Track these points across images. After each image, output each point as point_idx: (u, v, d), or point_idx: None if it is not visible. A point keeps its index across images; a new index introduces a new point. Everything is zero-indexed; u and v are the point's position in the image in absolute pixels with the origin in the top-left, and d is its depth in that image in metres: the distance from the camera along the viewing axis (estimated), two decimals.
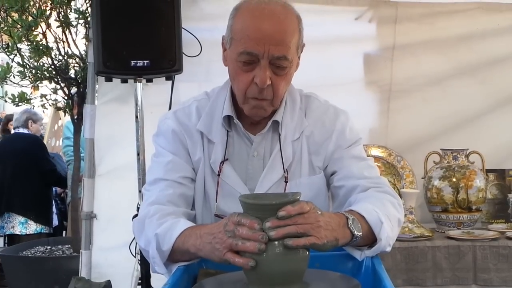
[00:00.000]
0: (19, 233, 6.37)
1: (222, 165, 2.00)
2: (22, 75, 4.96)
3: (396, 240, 3.48)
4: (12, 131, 7.16)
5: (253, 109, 1.95)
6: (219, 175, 2.00)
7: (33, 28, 4.61)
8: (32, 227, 6.39)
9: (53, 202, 6.89)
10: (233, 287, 1.56)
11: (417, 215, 3.78)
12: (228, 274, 1.67)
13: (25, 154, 6.50)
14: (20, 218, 6.39)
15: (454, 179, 3.78)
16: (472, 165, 3.85)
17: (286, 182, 2.00)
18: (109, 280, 3.50)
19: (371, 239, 1.75)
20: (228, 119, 2.03)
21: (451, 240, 3.61)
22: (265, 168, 2.01)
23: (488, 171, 3.97)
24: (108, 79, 3.70)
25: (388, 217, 1.80)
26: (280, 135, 2.02)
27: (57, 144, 8.84)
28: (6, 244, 6.77)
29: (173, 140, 2.05)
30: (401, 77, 4.17)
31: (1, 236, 6.74)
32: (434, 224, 3.90)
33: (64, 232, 7.21)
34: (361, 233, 1.69)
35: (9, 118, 8.03)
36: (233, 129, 2.04)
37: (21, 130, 6.85)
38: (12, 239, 6.53)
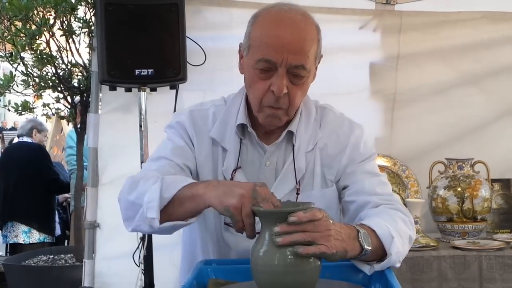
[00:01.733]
0: (23, 242, 6.35)
1: (235, 173, 1.99)
2: (26, 84, 4.96)
3: None
4: (16, 139, 7.16)
5: (268, 117, 1.94)
6: None
7: (36, 37, 4.62)
8: (36, 236, 6.38)
9: (56, 212, 6.87)
10: None
11: (422, 224, 3.77)
12: (239, 284, 1.66)
13: (29, 163, 6.49)
14: (24, 227, 6.37)
15: (459, 189, 3.77)
16: (477, 175, 3.84)
17: (298, 194, 1.98)
18: None
19: (380, 254, 1.73)
20: (242, 127, 2.02)
21: (456, 250, 3.59)
22: (277, 178, 2.00)
23: (493, 180, 3.95)
24: (112, 88, 3.69)
25: (399, 233, 1.78)
26: (294, 145, 2.01)
27: (59, 153, 8.84)
28: (8, 253, 6.76)
29: (183, 133, 2.05)
30: (406, 86, 4.16)
31: (4, 244, 6.70)
32: (439, 234, 3.89)
33: (66, 241, 7.20)
34: (370, 248, 1.67)
35: None
36: (246, 137, 2.03)
37: (25, 139, 6.85)
38: (14, 248, 6.52)
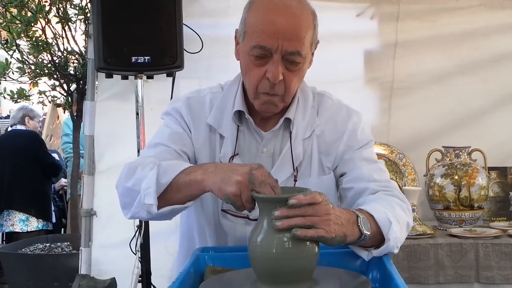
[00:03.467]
0: (20, 231, 6.34)
1: (232, 160, 1.98)
2: (22, 72, 4.93)
3: None
4: (10, 129, 7.12)
5: (264, 104, 1.94)
6: None
7: (32, 24, 4.59)
8: (34, 224, 6.38)
9: (52, 199, 6.87)
10: (242, 285, 1.55)
11: (418, 212, 3.77)
12: (237, 271, 1.67)
13: (25, 151, 6.48)
14: (21, 215, 6.37)
15: (456, 177, 3.77)
16: (474, 163, 3.83)
17: (295, 181, 1.98)
18: (114, 277, 3.49)
19: (378, 240, 1.73)
20: (239, 114, 2.01)
21: (453, 238, 3.59)
22: (275, 165, 1.99)
23: (490, 168, 3.96)
24: (109, 76, 3.67)
25: (397, 219, 1.78)
26: (291, 132, 2.00)
27: (55, 141, 8.83)
28: (4, 242, 6.75)
29: (180, 119, 2.04)
30: (403, 74, 4.14)
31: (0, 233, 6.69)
32: (436, 221, 3.89)
33: (62, 229, 7.20)
34: (369, 233, 1.67)
35: None
36: (243, 124, 2.02)
37: (19, 127, 6.82)
38: (10, 236, 6.51)
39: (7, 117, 17.46)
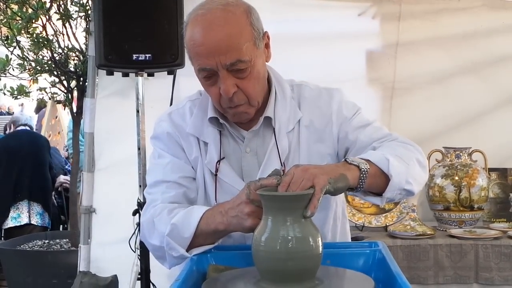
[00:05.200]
0: (35, 223, 6.37)
1: (219, 164, 1.98)
2: (22, 68, 4.92)
3: (398, 238, 3.51)
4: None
5: (235, 116, 1.95)
6: (216, 174, 1.98)
7: (33, 21, 4.58)
8: (46, 219, 6.42)
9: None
10: (246, 283, 1.54)
11: (418, 213, 3.79)
12: (240, 269, 1.66)
13: (40, 149, 6.61)
14: (39, 209, 6.41)
15: (456, 178, 3.78)
16: (474, 164, 3.84)
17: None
18: (116, 275, 3.49)
19: (384, 181, 1.77)
20: (215, 119, 2.00)
21: (453, 239, 3.61)
22: (263, 163, 1.98)
23: (491, 170, 3.98)
24: (110, 73, 3.67)
25: (397, 155, 1.80)
26: (274, 129, 1.99)
27: (54, 138, 8.83)
28: (2, 238, 6.72)
29: (170, 142, 2.05)
30: (404, 74, 4.15)
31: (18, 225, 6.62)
32: (436, 222, 3.90)
33: (61, 226, 7.19)
34: (368, 167, 1.70)
35: None
36: (224, 127, 2.02)
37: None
38: (8, 232, 6.52)
39: (5, 113, 17.42)
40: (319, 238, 1.53)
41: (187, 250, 1.81)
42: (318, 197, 1.53)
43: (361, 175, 1.70)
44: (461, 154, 3.84)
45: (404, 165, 1.80)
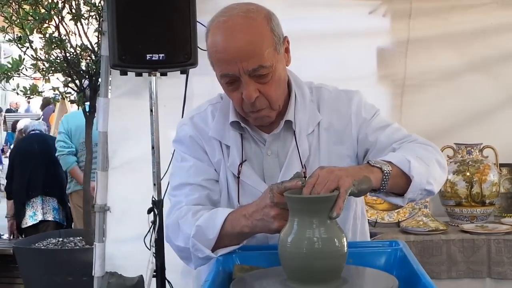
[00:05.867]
0: (52, 219, 6.45)
1: (241, 166, 2.03)
2: (35, 68, 4.97)
3: (411, 233, 3.54)
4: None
5: (256, 120, 2.00)
6: (238, 177, 2.03)
7: (47, 21, 4.62)
8: (61, 215, 6.50)
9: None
10: (273, 282, 1.58)
11: (430, 208, 3.82)
12: (267, 269, 1.71)
13: (42, 149, 6.77)
14: (55, 204, 6.48)
15: (468, 174, 3.80)
16: (486, 160, 3.87)
17: (305, 177, 2.00)
18: (142, 275, 3.52)
19: (406, 182, 1.81)
20: (237, 123, 2.05)
21: (465, 234, 3.64)
22: (284, 166, 2.03)
23: (502, 165, 4.00)
24: (123, 73, 3.70)
25: (417, 156, 1.85)
26: (294, 131, 2.03)
27: None
28: (23, 236, 6.77)
29: (192, 145, 2.09)
30: (415, 71, 4.18)
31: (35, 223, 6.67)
32: (448, 218, 3.93)
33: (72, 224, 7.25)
34: (390, 169, 1.75)
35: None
36: (245, 131, 2.06)
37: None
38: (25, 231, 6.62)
39: (9, 110, 17.49)
40: (344, 239, 1.57)
41: (213, 251, 1.85)
42: (344, 199, 1.57)
43: (384, 177, 1.74)
44: (472, 150, 3.87)
45: (425, 166, 1.84)
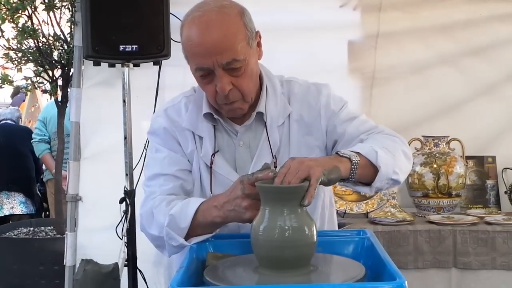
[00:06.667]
0: (20, 213, 6.44)
1: (214, 157, 2.08)
2: (7, 58, 4.95)
3: (379, 224, 3.60)
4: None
5: (229, 112, 2.05)
6: (211, 167, 2.08)
7: (20, 12, 4.61)
8: (31, 207, 6.47)
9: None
10: (245, 269, 1.64)
11: (398, 200, 3.88)
12: (240, 257, 1.76)
13: (24, 142, 6.74)
14: (21, 197, 6.46)
15: (435, 165, 3.88)
16: (452, 152, 3.94)
17: (275, 167, 2.05)
18: (117, 262, 3.54)
19: (373, 171, 1.87)
20: (210, 114, 2.10)
21: (431, 225, 3.70)
22: (255, 156, 2.09)
23: (468, 157, 4.07)
24: (97, 64, 3.71)
25: (384, 147, 1.91)
26: (265, 123, 2.09)
27: (33, 125, 8.83)
28: None
29: (166, 137, 2.15)
30: (385, 64, 4.24)
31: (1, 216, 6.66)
32: (415, 208, 4.00)
33: (43, 214, 7.23)
34: (358, 159, 1.81)
35: None
36: (218, 122, 2.11)
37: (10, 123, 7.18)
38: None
39: None
40: (314, 228, 1.62)
41: (186, 239, 1.89)
42: (314, 187, 1.63)
43: (352, 166, 1.80)
44: (439, 142, 3.94)
45: (391, 157, 1.91)
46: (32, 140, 6.58)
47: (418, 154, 3.95)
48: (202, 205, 1.89)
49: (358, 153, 1.85)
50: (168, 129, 2.14)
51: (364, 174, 1.85)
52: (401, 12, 4.18)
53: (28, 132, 7.02)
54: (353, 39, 4.25)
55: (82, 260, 3.51)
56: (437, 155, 3.91)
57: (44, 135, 6.41)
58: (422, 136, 3.99)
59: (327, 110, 2.13)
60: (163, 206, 1.96)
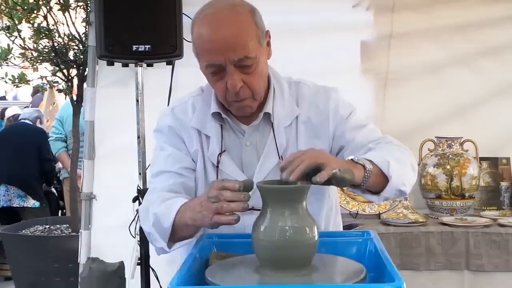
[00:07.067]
0: (17, 206, 6.52)
1: (220, 156, 2.10)
2: (23, 57, 5.00)
3: (391, 225, 3.60)
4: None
5: (239, 109, 2.06)
6: (217, 166, 2.10)
7: (35, 12, 4.65)
8: (30, 202, 6.53)
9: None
10: (247, 269, 1.64)
11: (411, 201, 3.86)
12: (241, 257, 1.76)
13: (32, 141, 6.87)
14: (19, 192, 6.52)
15: (448, 167, 3.86)
16: (466, 153, 3.92)
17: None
18: (122, 261, 3.58)
19: (383, 181, 1.89)
20: (218, 114, 2.11)
21: (444, 226, 3.69)
22: (262, 156, 2.10)
23: (482, 159, 4.04)
24: (110, 63, 3.74)
25: (395, 158, 1.92)
26: (272, 124, 2.10)
27: (51, 124, 8.91)
28: None
29: (171, 135, 2.16)
30: (398, 65, 4.21)
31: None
32: (428, 210, 3.98)
33: (59, 211, 7.29)
34: (372, 167, 1.82)
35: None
36: (226, 122, 2.12)
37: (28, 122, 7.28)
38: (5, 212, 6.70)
39: (2, 98, 17.46)
40: (315, 228, 1.62)
41: (172, 241, 1.92)
42: (329, 173, 1.64)
43: (366, 174, 1.81)
44: (452, 143, 3.92)
45: (401, 168, 1.93)
46: (49, 139, 6.67)
47: (431, 155, 3.93)
48: (184, 205, 1.88)
49: (370, 161, 1.86)
50: (174, 128, 2.16)
51: (374, 183, 1.86)
52: (415, 12, 4.16)
53: (40, 132, 7.15)
54: (366, 39, 4.23)
55: (88, 258, 3.55)
56: (450, 156, 3.89)
57: (61, 133, 6.50)
58: (436, 137, 3.98)
59: (336, 115, 2.13)
60: (156, 204, 1.96)
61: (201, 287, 1.56)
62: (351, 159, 1.84)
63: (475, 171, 3.88)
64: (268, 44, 2.06)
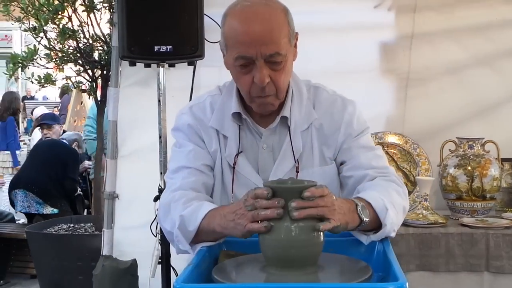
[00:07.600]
0: (35, 212, 6.62)
1: (237, 157, 2.12)
2: (49, 58, 5.07)
3: (410, 226, 3.60)
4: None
5: (260, 106, 2.07)
6: (234, 167, 2.12)
7: (59, 12, 4.72)
8: (49, 209, 6.62)
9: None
10: (253, 268, 1.67)
11: (431, 202, 3.84)
12: (248, 256, 1.78)
13: (63, 159, 6.96)
14: (38, 199, 6.60)
15: (469, 168, 3.83)
16: (487, 154, 3.89)
17: (297, 172, 2.10)
18: (135, 259, 3.61)
19: (376, 225, 1.87)
20: (238, 114, 2.13)
21: (464, 228, 3.65)
22: (277, 159, 2.12)
23: (503, 160, 4.00)
24: (132, 64, 3.78)
25: (393, 204, 1.91)
26: (289, 127, 2.12)
27: (79, 124, 9.01)
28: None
29: (191, 133, 2.18)
30: (419, 65, 4.19)
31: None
32: (449, 211, 3.96)
33: (85, 210, 7.37)
34: (368, 219, 1.81)
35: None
36: (244, 123, 2.14)
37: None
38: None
39: (31, 98, 17.75)
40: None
41: (194, 243, 1.91)
42: (330, 227, 1.65)
43: (358, 226, 1.82)
44: (474, 144, 3.90)
45: (396, 215, 1.92)
46: (85, 137, 6.75)
47: (452, 156, 3.91)
48: (211, 211, 1.88)
49: (369, 203, 1.87)
50: (193, 126, 2.17)
51: (368, 226, 1.86)
52: (436, 13, 4.14)
53: (72, 153, 7.24)
54: (387, 39, 4.21)
55: (102, 255, 3.58)
56: (471, 157, 3.86)
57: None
58: (457, 138, 3.95)
59: (348, 128, 2.15)
60: (181, 203, 1.97)
61: (205, 285, 1.58)
62: (356, 203, 1.83)
63: (496, 172, 3.85)
64: (295, 45, 2.08)
